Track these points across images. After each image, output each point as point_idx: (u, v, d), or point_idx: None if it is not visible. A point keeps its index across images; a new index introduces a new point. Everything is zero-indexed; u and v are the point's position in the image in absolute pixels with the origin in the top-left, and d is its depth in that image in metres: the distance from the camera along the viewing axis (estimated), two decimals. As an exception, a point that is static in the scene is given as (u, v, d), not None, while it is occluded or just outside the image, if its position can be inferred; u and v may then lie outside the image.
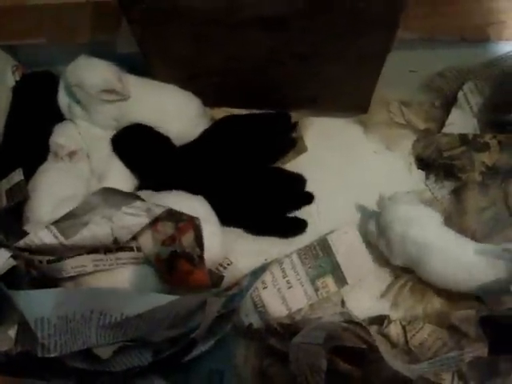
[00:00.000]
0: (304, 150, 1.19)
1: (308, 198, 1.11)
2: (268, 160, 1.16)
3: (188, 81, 1.11)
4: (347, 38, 0.94)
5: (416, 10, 1.06)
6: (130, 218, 0.93)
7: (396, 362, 0.84)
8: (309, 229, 1.10)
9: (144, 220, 0.94)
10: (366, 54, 0.98)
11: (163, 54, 1.04)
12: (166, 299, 0.90)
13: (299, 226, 1.09)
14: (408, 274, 1.03)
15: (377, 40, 0.94)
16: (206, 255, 0.94)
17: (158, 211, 0.95)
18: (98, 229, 0.91)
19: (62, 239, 0.89)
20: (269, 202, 1.09)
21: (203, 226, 0.94)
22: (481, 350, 0.90)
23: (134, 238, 0.99)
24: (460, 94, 1.15)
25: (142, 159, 1.12)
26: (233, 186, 1.09)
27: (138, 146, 1.12)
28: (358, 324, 0.84)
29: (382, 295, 1.03)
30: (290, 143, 1.17)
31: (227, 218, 1.06)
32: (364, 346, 0.83)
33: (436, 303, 1.01)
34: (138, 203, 0.96)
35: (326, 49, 0.98)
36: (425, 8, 1.08)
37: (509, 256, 0.91)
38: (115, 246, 0.94)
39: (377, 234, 1.03)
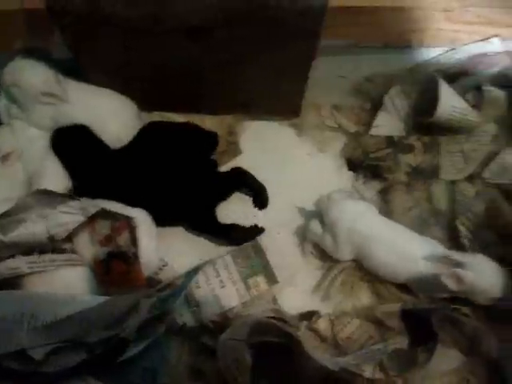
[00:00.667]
0: (238, 152, 1.22)
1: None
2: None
3: (121, 86, 1.13)
4: (270, 47, 0.98)
5: (342, 19, 1.10)
6: (66, 216, 0.96)
7: (320, 356, 0.87)
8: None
9: (79, 218, 0.97)
10: (291, 61, 1.01)
11: (95, 60, 1.06)
12: (97, 300, 0.93)
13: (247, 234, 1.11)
14: (338, 266, 1.07)
15: (299, 48, 0.98)
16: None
17: (92, 210, 0.97)
18: (34, 226, 0.94)
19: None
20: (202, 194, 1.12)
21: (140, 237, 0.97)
22: (401, 342, 0.94)
23: (71, 239, 1.01)
24: (386, 98, 1.20)
25: (79, 159, 1.13)
26: (165, 186, 1.11)
27: (77, 146, 1.13)
28: (281, 319, 0.87)
29: (314, 290, 1.07)
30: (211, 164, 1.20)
31: (164, 218, 1.08)
32: (285, 341, 0.85)
33: (364, 298, 1.05)
34: (73, 203, 0.98)
35: (250, 57, 1.01)
36: (350, 17, 1.12)
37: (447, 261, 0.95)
38: (52, 245, 0.96)
39: (320, 232, 1.06)
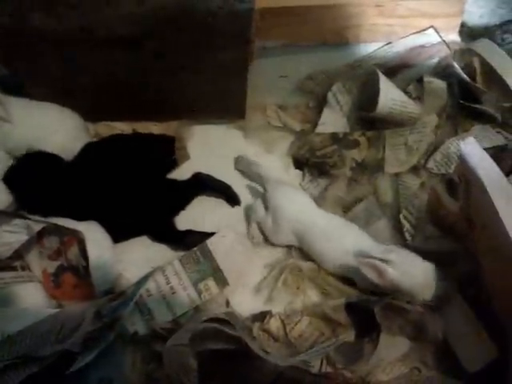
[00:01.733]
0: (186, 158, 1.22)
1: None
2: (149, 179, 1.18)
3: (63, 98, 1.13)
4: (203, 53, 0.99)
5: (277, 20, 1.12)
6: (10, 235, 0.95)
7: (270, 355, 0.88)
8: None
9: (23, 237, 0.96)
10: (227, 65, 1.02)
11: (31, 74, 1.06)
12: (46, 313, 0.93)
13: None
14: (278, 266, 1.08)
15: (233, 52, 0.99)
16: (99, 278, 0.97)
17: (37, 228, 0.97)
18: None
19: None
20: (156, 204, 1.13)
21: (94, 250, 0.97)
22: (350, 336, 0.95)
23: (20, 256, 1.00)
24: (329, 95, 1.21)
25: (33, 186, 1.12)
26: (123, 199, 1.11)
27: (30, 177, 1.13)
28: (225, 321, 0.87)
29: (256, 291, 1.07)
30: (171, 165, 1.21)
31: (124, 232, 1.10)
32: (233, 345, 0.86)
33: (312, 295, 1.06)
34: (17, 221, 0.98)
35: (186, 63, 1.02)
36: (285, 17, 1.13)
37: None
38: None
39: (263, 213, 1.09)
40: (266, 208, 1.08)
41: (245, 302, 1.08)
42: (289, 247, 1.10)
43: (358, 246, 1.00)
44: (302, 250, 1.08)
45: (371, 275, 0.93)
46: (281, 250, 1.11)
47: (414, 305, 0.92)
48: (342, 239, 1.03)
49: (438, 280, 0.95)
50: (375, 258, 0.94)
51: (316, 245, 1.04)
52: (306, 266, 1.07)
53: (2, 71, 1.08)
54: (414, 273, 0.94)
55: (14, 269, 1.01)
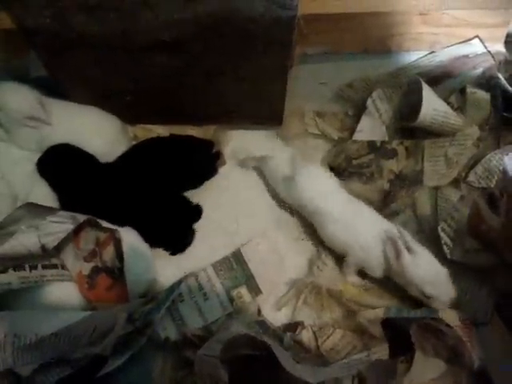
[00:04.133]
0: (223, 163, 1.21)
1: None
2: (188, 185, 1.18)
3: (102, 101, 1.14)
4: (245, 58, 0.98)
5: (318, 26, 1.10)
6: (56, 225, 0.96)
7: (298, 367, 0.87)
8: (227, 242, 1.12)
9: (69, 226, 0.97)
10: (267, 70, 1.01)
11: (71, 77, 1.07)
12: (79, 316, 0.93)
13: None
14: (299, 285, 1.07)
15: (274, 58, 0.98)
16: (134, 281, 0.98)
17: (81, 218, 0.98)
18: (24, 237, 0.93)
19: (-11, 248, 0.90)
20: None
21: (130, 253, 0.97)
22: (383, 350, 0.94)
23: (59, 254, 1.01)
24: (369, 101, 1.19)
25: (65, 179, 1.13)
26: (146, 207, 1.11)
27: (64, 166, 1.13)
28: (255, 332, 0.87)
29: (278, 307, 1.06)
30: (211, 172, 1.20)
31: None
32: (264, 353, 0.85)
33: (338, 311, 1.05)
34: (62, 213, 0.99)
35: (227, 68, 1.01)
36: (327, 24, 1.11)
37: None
38: (43, 255, 0.95)
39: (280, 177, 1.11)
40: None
41: (276, 312, 1.07)
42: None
43: (378, 229, 1.00)
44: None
45: (390, 253, 0.96)
46: (300, 266, 1.10)
47: (452, 328, 0.89)
48: (358, 225, 1.03)
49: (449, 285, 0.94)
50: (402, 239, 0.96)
51: (329, 229, 1.04)
52: (327, 285, 1.06)
53: (43, 73, 1.08)
54: (425, 267, 0.95)
55: (55, 267, 1.01)
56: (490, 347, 0.93)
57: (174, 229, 1.12)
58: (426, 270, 0.95)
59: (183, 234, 1.13)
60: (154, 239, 1.09)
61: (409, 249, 0.96)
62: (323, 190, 1.06)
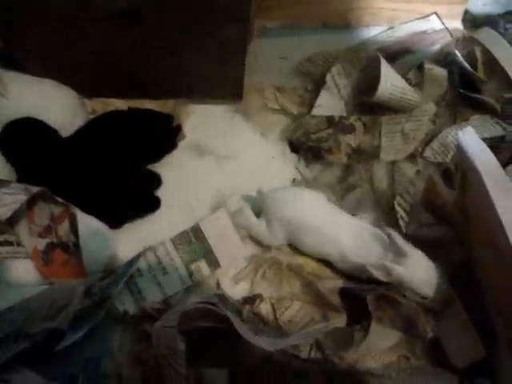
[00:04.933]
0: (182, 137, 1.20)
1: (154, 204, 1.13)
2: (147, 159, 1.17)
3: (59, 74, 1.11)
4: (202, 31, 0.98)
5: (278, 0, 1.09)
6: (9, 197, 0.94)
7: (257, 338, 0.87)
8: (186, 216, 1.11)
9: (22, 197, 0.95)
10: (225, 44, 1.01)
11: (27, 49, 1.05)
12: (36, 290, 0.93)
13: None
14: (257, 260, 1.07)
15: (232, 31, 0.97)
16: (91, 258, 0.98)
17: (34, 190, 0.96)
18: None
19: None
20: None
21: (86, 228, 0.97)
22: (341, 321, 0.95)
23: (13, 230, 0.99)
24: (328, 77, 1.20)
25: (25, 154, 1.11)
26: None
27: (23, 141, 1.10)
28: (212, 304, 0.87)
29: (236, 281, 1.06)
30: (171, 146, 1.19)
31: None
32: (222, 325, 0.86)
33: (298, 285, 1.05)
34: (15, 184, 0.98)
35: (185, 41, 1.01)
36: (288, -2, 1.11)
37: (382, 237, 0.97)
38: None
39: (253, 220, 1.07)
40: (260, 212, 1.06)
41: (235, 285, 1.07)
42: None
43: (356, 243, 0.99)
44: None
45: (379, 274, 0.93)
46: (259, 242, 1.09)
47: (409, 300, 0.91)
48: (336, 229, 1.01)
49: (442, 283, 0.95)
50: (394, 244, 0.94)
51: (308, 238, 1.03)
52: (286, 260, 1.05)
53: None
54: (420, 271, 0.94)
55: (10, 244, 0.99)
56: (443, 318, 0.95)
57: (135, 195, 1.12)
58: (421, 272, 0.94)
59: (146, 198, 1.12)
60: (116, 212, 1.09)
61: (400, 253, 0.94)
62: (295, 209, 1.04)
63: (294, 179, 1.17)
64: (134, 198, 1.12)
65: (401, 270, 0.92)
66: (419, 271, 0.94)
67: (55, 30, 0.99)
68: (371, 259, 0.96)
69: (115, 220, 1.08)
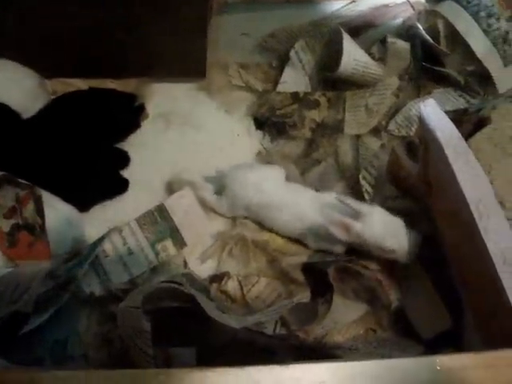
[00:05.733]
0: (146, 116, 1.19)
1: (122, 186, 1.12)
2: (109, 139, 1.16)
3: (16, 53, 1.09)
4: (162, 7, 0.96)
5: (240, -24, 1.08)
6: None
7: (224, 316, 0.87)
8: (151, 196, 1.11)
9: None
10: (185, 19, 0.99)
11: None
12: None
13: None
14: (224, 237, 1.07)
15: (192, 6, 0.96)
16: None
17: None
18: None
19: None
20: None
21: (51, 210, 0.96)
22: (307, 297, 0.96)
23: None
24: (292, 53, 1.19)
25: None
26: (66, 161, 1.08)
27: None
28: (178, 283, 0.87)
29: (202, 261, 1.06)
30: (134, 125, 1.18)
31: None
32: (188, 304, 0.86)
33: (264, 262, 1.05)
34: None
35: (145, 18, 1.00)
36: (246, -29, 1.09)
37: (341, 205, 0.97)
38: None
39: (216, 197, 1.07)
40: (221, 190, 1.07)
41: (204, 263, 1.07)
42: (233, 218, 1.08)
43: (318, 203, 1.00)
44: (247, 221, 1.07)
45: (338, 232, 0.93)
46: (225, 220, 1.09)
47: (370, 270, 0.92)
48: (298, 204, 1.01)
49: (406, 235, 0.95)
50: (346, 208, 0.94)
51: (272, 215, 1.03)
52: (252, 236, 1.05)
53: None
54: (379, 225, 0.94)
55: (-30, 227, 0.98)
56: (409, 289, 0.96)
57: (103, 177, 1.11)
58: (382, 226, 0.94)
59: (115, 180, 1.11)
60: (84, 194, 1.08)
61: (356, 215, 0.94)
62: (257, 185, 1.04)
63: (259, 152, 1.17)
64: (102, 179, 1.11)
65: (359, 226, 0.92)
66: (378, 225, 0.93)
67: (7, 9, 0.96)
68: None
69: (84, 203, 1.07)
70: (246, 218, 1.07)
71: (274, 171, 1.07)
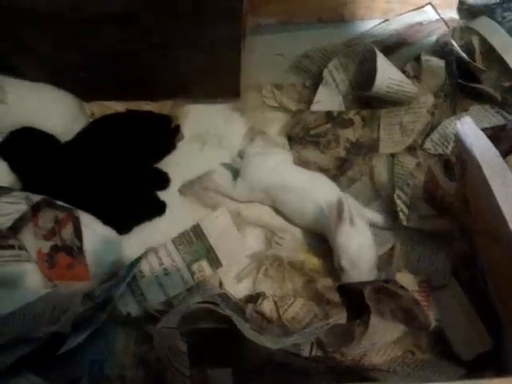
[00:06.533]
0: (181, 138, 1.20)
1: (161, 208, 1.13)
2: (146, 160, 1.17)
3: (55, 77, 1.12)
4: (196, 28, 0.97)
5: (274, -4, 1.09)
6: (10, 206, 0.95)
7: (260, 337, 0.87)
8: (185, 216, 1.12)
9: (23, 207, 0.96)
10: (219, 40, 1.00)
11: (24, 55, 1.05)
12: (37, 294, 0.93)
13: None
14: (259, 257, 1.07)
15: (226, 28, 0.97)
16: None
17: (35, 199, 0.97)
18: None
19: None
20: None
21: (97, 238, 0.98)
22: (343, 318, 0.95)
23: (16, 235, 1.00)
24: (326, 72, 1.19)
25: (28, 162, 1.11)
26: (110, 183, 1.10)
27: (25, 149, 1.11)
28: (214, 304, 0.87)
29: (239, 279, 1.06)
30: (170, 147, 1.19)
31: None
32: (225, 325, 0.85)
33: (300, 282, 1.05)
34: (16, 193, 0.98)
35: (178, 38, 1.01)
36: (282, -6, 1.10)
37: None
38: None
39: (233, 182, 1.11)
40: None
41: (239, 283, 1.07)
42: (268, 238, 1.09)
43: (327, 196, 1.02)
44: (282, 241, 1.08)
45: (332, 215, 0.97)
46: (260, 240, 1.10)
47: (408, 291, 0.90)
48: (315, 193, 1.04)
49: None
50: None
51: (287, 198, 1.06)
52: (288, 257, 1.06)
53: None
54: (358, 245, 0.97)
55: (12, 247, 1.00)
56: (448, 310, 0.94)
57: (143, 197, 1.12)
58: (357, 246, 0.97)
59: (153, 200, 1.12)
60: (124, 217, 1.09)
61: (351, 221, 0.96)
62: (275, 170, 1.07)
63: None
64: (142, 201, 1.12)
65: (346, 229, 0.96)
66: (356, 244, 0.97)
67: (47, 33, 0.99)
68: None
69: (123, 225, 1.09)
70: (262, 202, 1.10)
71: (286, 155, 1.11)
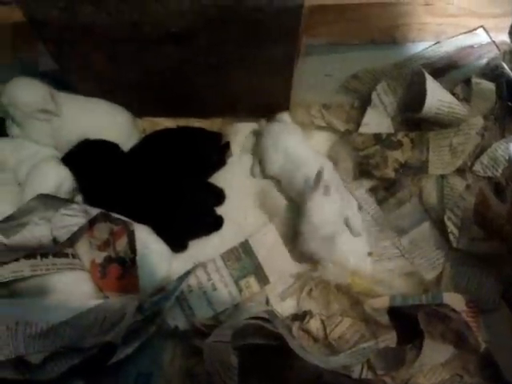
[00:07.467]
0: (230, 154, 1.22)
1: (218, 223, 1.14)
2: (197, 177, 1.19)
3: (110, 93, 1.14)
4: (252, 48, 0.99)
5: (324, 17, 1.11)
6: (69, 218, 0.98)
7: (309, 355, 0.87)
8: (234, 232, 1.13)
9: (81, 220, 0.99)
10: (274, 61, 1.02)
11: (80, 70, 1.07)
12: (90, 304, 0.95)
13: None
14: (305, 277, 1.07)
15: (281, 48, 0.98)
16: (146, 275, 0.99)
17: (94, 212, 0.99)
18: (37, 229, 0.96)
19: (2, 238, 0.93)
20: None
21: (150, 252, 1.00)
22: (391, 339, 0.94)
23: (72, 244, 1.03)
24: (374, 95, 1.19)
25: (93, 171, 1.13)
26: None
27: (92, 159, 1.13)
28: (266, 320, 0.87)
29: (283, 297, 1.07)
30: (220, 163, 1.21)
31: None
32: (274, 342, 0.86)
33: (347, 304, 1.04)
34: (75, 206, 1.00)
35: (234, 59, 1.02)
36: (332, 15, 1.12)
37: None
38: (55, 247, 0.98)
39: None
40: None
41: (286, 301, 1.08)
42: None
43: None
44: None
45: (316, 178, 0.98)
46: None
47: (458, 313, 0.90)
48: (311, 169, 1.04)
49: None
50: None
51: (301, 174, 1.07)
52: (335, 280, 1.05)
53: (52, 66, 1.09)
54: (325, 214, 0.99)
55: (66, 256, 1.03)
56: (497, 333, 0.94)
57: (200, 212, 1.13)
58: (322, 215, 0.98)
59: (211, 215, 1.14)
60: (180, 235, 1.11)
61: (326, 191, 0.97)
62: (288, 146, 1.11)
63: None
64: (200, 217, 1.13)
65: (317, 198, 0.98)
66: (322, 213, 0.98)
67: (106, 51, 1.01)
68: None
69: (179, 243, 1.11)
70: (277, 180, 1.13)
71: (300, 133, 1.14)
